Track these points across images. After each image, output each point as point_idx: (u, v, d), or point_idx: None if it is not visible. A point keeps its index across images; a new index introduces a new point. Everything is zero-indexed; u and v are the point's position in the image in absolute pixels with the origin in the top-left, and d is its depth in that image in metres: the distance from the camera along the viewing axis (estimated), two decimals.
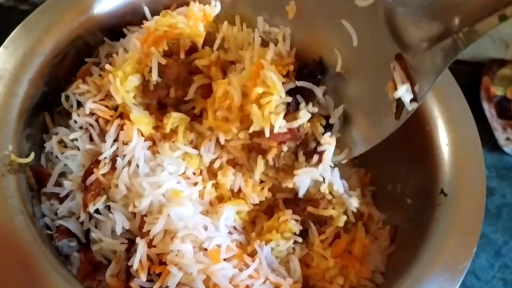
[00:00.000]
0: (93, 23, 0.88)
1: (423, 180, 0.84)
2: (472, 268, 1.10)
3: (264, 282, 0.74)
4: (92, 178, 0.77)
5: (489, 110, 1.23)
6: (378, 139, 0.74)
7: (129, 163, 0.78)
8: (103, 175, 0.77)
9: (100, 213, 0.77)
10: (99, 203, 0.76)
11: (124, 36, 0.90)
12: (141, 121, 0.79)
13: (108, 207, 0.77)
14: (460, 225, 0.75)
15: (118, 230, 0.75)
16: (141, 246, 0.72)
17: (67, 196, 0.79)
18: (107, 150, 0.78)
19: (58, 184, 0.80)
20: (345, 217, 0.83)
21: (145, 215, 0.75)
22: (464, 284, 1.06)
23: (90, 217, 0.78)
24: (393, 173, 0.93)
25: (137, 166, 0.77)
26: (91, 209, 0.76)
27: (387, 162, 0.94)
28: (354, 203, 0.84)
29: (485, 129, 1.21)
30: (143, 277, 0.71)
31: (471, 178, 0.79)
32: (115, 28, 0.91)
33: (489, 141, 1.20)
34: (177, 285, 0.70)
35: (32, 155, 0.76)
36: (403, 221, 0.87)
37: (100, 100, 0.82)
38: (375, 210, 0.90)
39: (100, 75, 0.85)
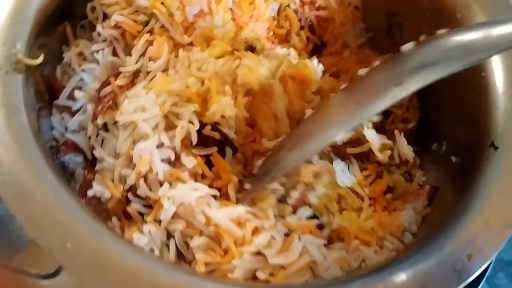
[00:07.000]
0: None
1: (473, 133, 0.74)
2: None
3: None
4: (107, 89, 0.73)
5: None
6: None
7: None
8: (120, 87, 0.73)
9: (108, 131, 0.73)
10: (109, 117, 0.72)
11: None
12: None
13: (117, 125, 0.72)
14: (509, 181, 0.65)
15: (119, 147, 0.69)
16: None
17: (79, 110, 0.76)
18: (132, 64, 0.75)
19: (71, 98, 0.76)
20: (388, 152, 0.75)
21: None
22: (492, 284, 0.99)
23: (98, 134, 0.74)
24: (438, 130, 0.85)
25: None
26: (100, 121, 0.72)
27: (432, 118, 0.86)
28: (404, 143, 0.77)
29: None
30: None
31: None
32: None
33: None
34: (173, 217, 0.65)
35: (42, 57, 0.71)
36: (444, 182, 0.78)
37: (129, 14, 0.78)
38: (417, 169, 0.82)
39: None
